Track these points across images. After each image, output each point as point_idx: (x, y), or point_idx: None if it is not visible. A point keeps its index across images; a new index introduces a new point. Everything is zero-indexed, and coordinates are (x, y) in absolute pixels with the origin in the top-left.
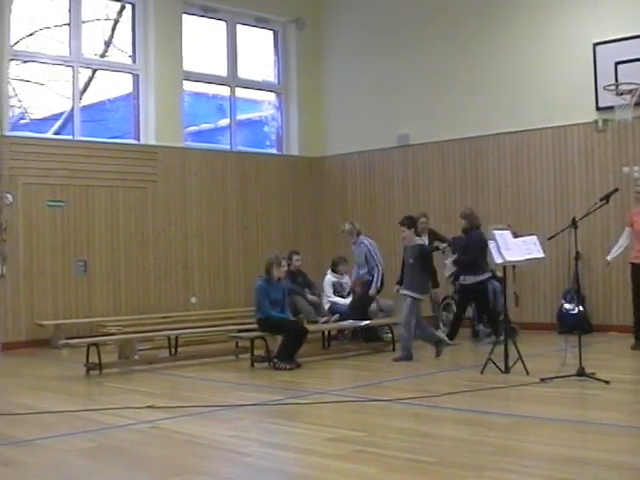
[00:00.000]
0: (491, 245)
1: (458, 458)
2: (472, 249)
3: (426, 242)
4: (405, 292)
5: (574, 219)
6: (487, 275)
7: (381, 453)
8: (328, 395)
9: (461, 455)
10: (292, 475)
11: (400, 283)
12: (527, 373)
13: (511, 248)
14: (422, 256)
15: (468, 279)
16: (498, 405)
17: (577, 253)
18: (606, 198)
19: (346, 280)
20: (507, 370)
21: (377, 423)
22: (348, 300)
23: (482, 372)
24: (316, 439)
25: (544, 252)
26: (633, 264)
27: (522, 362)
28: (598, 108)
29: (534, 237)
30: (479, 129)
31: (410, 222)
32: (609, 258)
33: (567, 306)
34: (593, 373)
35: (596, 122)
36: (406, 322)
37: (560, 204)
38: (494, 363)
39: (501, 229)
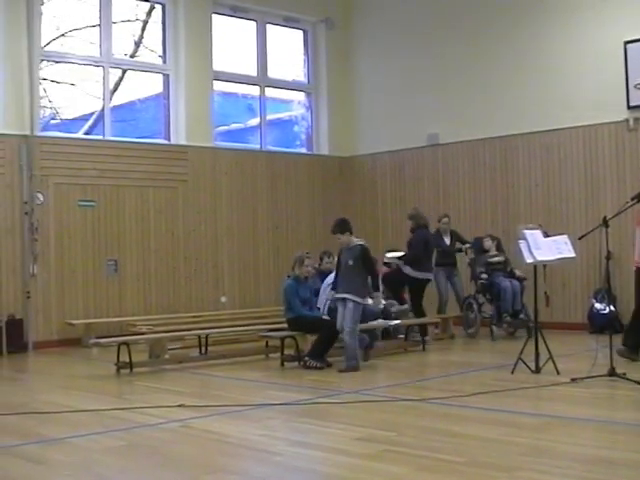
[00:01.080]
0: (521, 244)
1: (488, 458)
2: (415, 246)
3: (448, 243)
4: (345, 295)
5: (605, 218)
6: (429, 275)
7: (411, 453)
8: (358, 395)
9: (491, 455)
10: (321, 474)
11: (334, 288)
12: (558, 373)
13: (542, 248)
14: (363, 256)
15: (411, 273)
16: (528, 405)
17: (608, 252)
18: (637, 197)
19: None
20: (538, 370)
21: (407, 423)
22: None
23: (513, 372)
24: (346, 438)
25: (575, 252)
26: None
27: (553, 362)
28: (629, 107)
29: (565, 236)
30: (509, 128)
31: (341, 227)
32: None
33: (598, 306)
34: (624, 373)
35: (627, 121)
36: (351, 329)
37: (591, 203)
38: (524, 363)
39: (531, 229)
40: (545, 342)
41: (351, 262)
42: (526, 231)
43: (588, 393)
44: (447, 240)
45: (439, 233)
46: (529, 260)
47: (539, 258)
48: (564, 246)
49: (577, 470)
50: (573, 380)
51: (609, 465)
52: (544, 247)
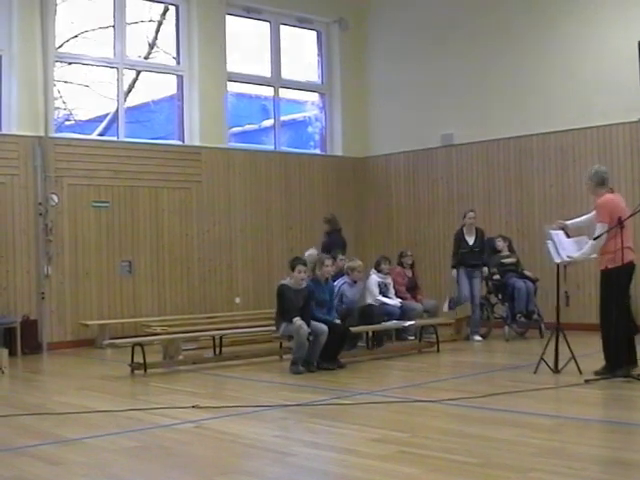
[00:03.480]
0: (549, 244)
1: (502, 459)
2: (333, 249)
3: (471, 242)
4: None
5: (620, 219)
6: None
7: (425, 454)
8: (372, 396)
9: (505, 456)
10: (336, 475)
11: None
12: (580, 372)
13: (566, 248)
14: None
15: None
16: (542, 406)
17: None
18: None
19: (390, 280)
20: (558, 370)
21: (421, 424)
22: (395, 301)
23: (535, 372)
24: (360, 439)
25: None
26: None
27: (575, 362)
28: None
29: (585, 237)
30: (523, 129)
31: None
32: None
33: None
34: (639, 375)
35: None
36: None
37: None
38: (546, 363)
39: (554, 229)
40: (567, 342)
41: None
42: (552, 231)
43: (602, 394)
44: (471, 239)
45: (462, 231)
46: (557, 260)
47: (567, 258)
48: (586, 246)
49: (591, 471)
50: (587, 381)
51: (624, 466)
52: (568, 247)
